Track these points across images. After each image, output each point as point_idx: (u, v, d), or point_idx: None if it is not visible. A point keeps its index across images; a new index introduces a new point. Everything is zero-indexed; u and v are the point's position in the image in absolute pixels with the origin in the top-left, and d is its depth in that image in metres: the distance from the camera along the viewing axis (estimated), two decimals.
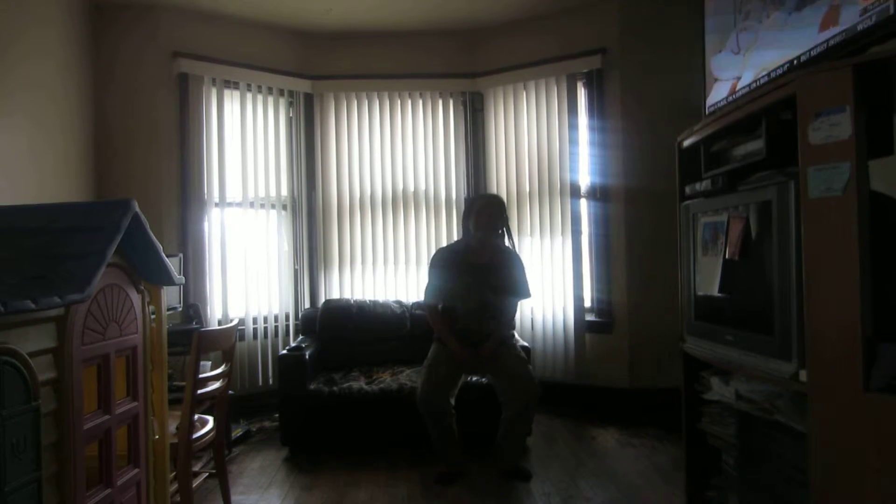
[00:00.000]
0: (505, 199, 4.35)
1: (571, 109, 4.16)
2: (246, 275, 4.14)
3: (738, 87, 2.10)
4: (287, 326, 4.32)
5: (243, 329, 4.06)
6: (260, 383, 4.16)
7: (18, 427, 1.06)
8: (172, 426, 2.17)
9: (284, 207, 4.38)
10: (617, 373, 3.96)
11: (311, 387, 3.33)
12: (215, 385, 2.48)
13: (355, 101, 4.49)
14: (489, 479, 2.93)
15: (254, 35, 4.25)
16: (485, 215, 3.03)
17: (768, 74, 1.91)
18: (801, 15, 1.75)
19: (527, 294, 3.16)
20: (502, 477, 2.93)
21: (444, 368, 2.96)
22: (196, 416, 2.35)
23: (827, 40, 1.63)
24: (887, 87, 1.43)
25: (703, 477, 2.22)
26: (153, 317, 1.68)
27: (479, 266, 3.06)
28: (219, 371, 2.46)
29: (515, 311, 3.23)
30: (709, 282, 2.06)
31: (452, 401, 2.97)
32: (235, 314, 4.06)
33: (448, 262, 3.12)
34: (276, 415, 3.64)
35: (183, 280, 1.83)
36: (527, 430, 3.10)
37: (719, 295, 2.00)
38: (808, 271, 1.51)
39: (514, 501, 2.70)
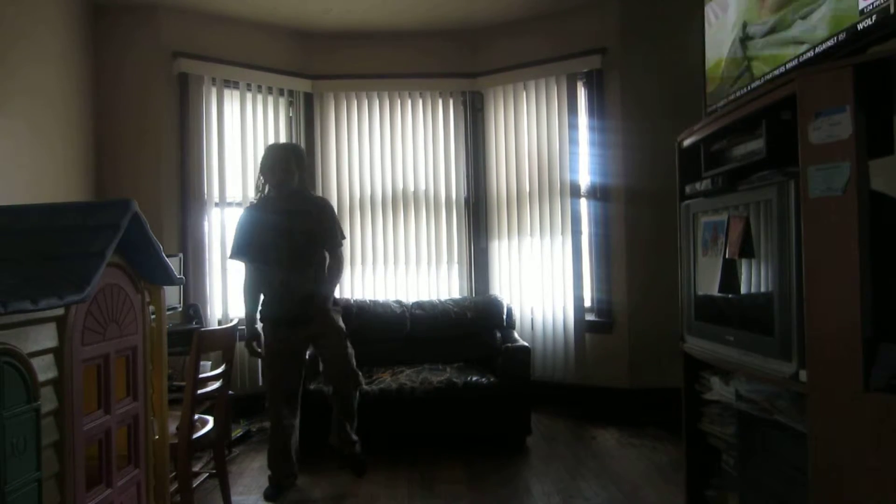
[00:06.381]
0: (505, 199, 4.39)
1: (571, 109, 4.16)
2: None
3: (738, 88, 2.10)
4: None
5: (243, 329, 4.04)
6: (260, 383, 4.14)
7: (18, 427, 1.06)
8: (172, 426, 2.17)
9: None
10: (617, 373, 3.96)
11: (311, 387, 3.32)
12: (215, 385, 2.49)
13: (355, 101, 4.49)
14: (491, 485, 2.93)
15: (253, 35, 4.25)
16: (277, 165, 2.82)
17: (768, 74, 1.91)
18: (802, 17, 1.75)
19: (334, 244, 2.96)
20: (338, 467, 2.97)
21: (282, 361, 2.86)
22: (196, 416, 2.35)
23: (827, 40, 1.63)
24: (887, 87, 1.42)
25: (703, 477, 2.22)
26: (153, 317, 1.68)
27: (286, 210, 2.84)
28: (219, 371, 2.47)
29: (338, 270, 3.06)
30: (709, 282, 2.06)
31: (300, 394, 2.96)
32: (235, 314, 4.05)
33: (253, 214, 2.90)
34: None
35: (183, 280, 1.83)
36: (349, 416, 2.98)
37: (719, 295, 2.00)
38: (808, 271, 1.51)
39: (513, 502, 2.70)
